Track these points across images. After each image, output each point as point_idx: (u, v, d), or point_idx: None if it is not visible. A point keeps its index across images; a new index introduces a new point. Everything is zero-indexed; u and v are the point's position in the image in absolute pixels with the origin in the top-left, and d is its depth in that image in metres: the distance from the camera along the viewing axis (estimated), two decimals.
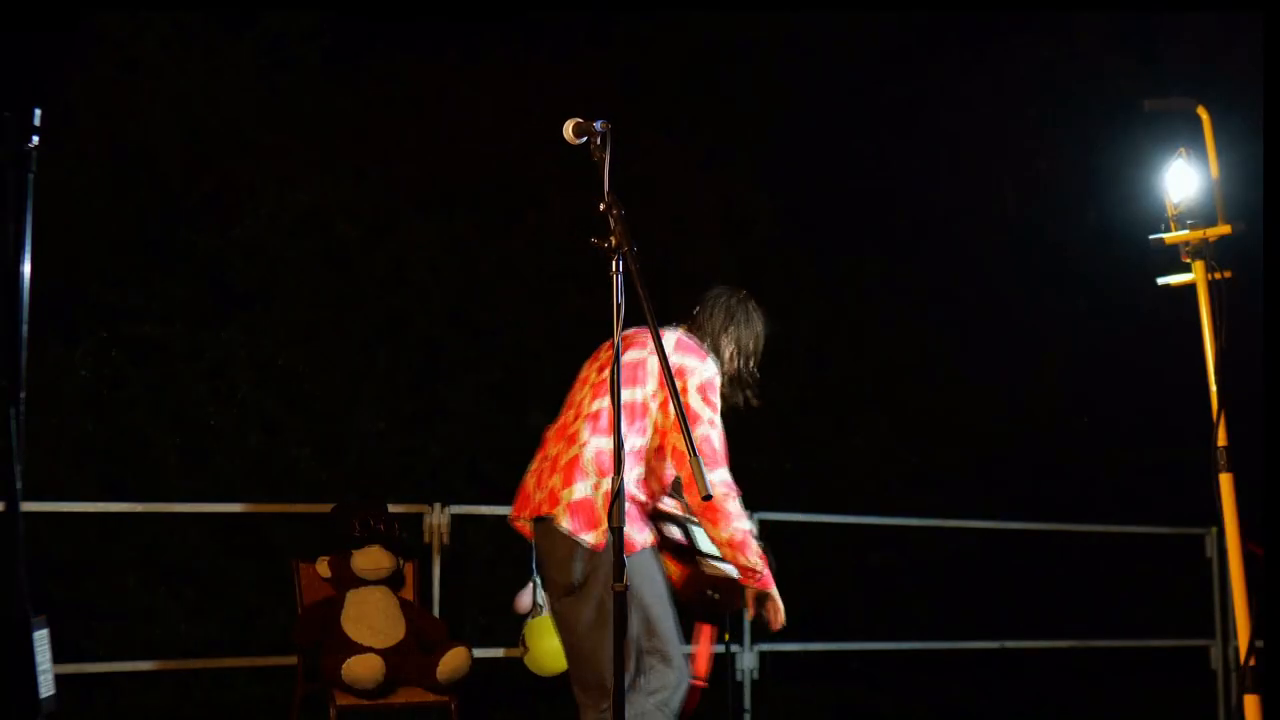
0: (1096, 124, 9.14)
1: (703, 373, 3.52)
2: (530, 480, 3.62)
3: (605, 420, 3.47)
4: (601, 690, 3.47)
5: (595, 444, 3.47)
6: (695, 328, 3.72)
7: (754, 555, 3.46)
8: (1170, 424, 8.31)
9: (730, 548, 3.46)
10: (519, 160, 8.41)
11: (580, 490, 3.45)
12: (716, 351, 3.66)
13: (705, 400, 3.48)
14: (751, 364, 3.78)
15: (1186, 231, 3.67)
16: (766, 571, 3.52)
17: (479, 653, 5.12)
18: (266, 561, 6.63)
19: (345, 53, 8.39)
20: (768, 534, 5.88)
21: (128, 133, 7.78)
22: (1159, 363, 8.55)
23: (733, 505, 3.44)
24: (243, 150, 7.88)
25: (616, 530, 2.90)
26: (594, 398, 3.56)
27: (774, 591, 3.55)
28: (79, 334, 6.96)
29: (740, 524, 3.45)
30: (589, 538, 3.41)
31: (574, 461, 3.48)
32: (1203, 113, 3.73)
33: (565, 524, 3.43)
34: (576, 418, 3.56)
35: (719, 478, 3.43)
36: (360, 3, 8.41)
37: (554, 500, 3.47)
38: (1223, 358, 3.61)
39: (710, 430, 3.46)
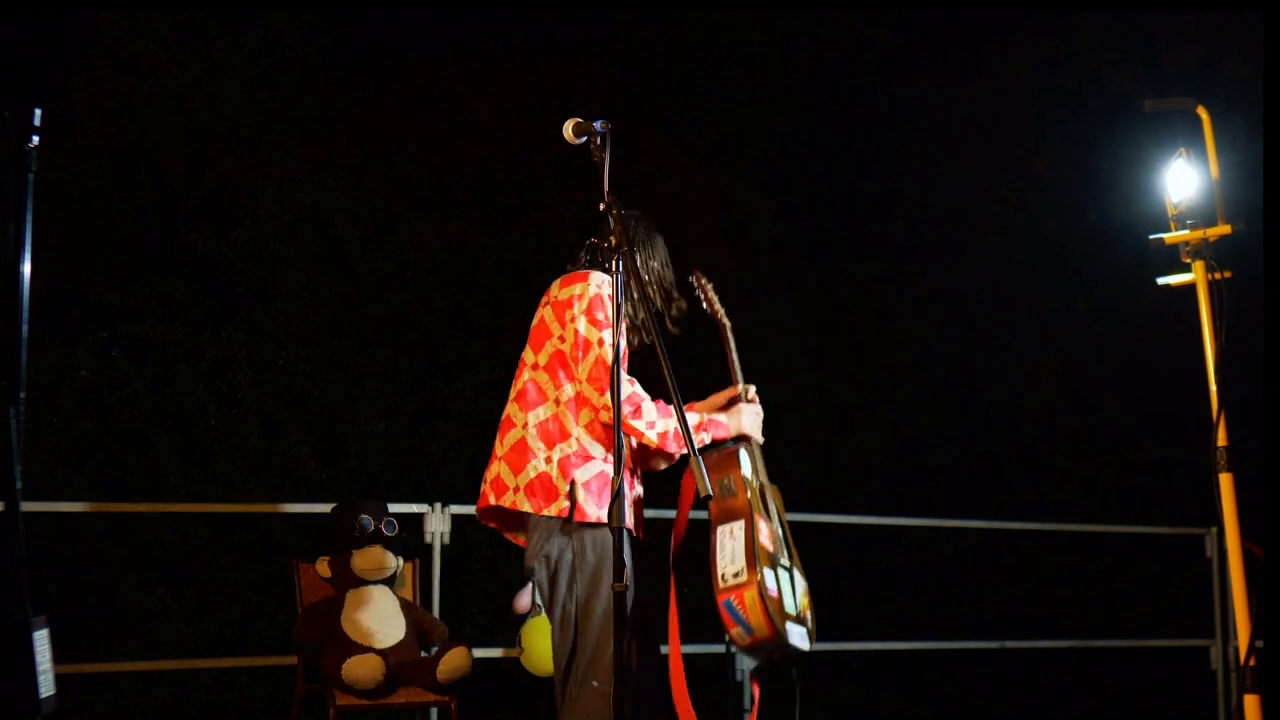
0: (1096, 124, 9.13)
1: (588, 293, 3.42)
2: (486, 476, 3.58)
3: (534, 393, 3.45)
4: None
5: (531, 418, 3.44)
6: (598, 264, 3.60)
7: (693, 433, 3.33)
8: (1170, 424, 8.31)
9: (664, 447, 3.40)
10: (519, 160, 8.40)
11: (533, 468, 3.41)
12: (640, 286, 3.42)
13: (592, 321, 3.37)
14: (668, 283, 3.69)
15: (1186, 231, 3.67)
16: (713, 428, 3.54)
17: (479, 653, 5.12)
18: (266, 561, 6.63)
19: (345, 53, 8.38)
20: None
21: (128, 133, 7.78)
22: (1159, 363, 8.55)
23: (638, 423, 3.35)
24: (243, 150, 7.88)
25: (616, 531, 2.90)
26: (516, 379, 3.56)
27: (735, 429, 3.58)
28: (79, 334, 6.96)
29: (660, 425, 3.37)
30: (550, 510, 3.36)
31: (520, 443, 3.44)
32: (1203, 113, 3.72)
33: (525, 506, 3.40)
34: (509, 404, 3.55)
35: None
36: (360, 2, 8.41)
37: (501, 488, 3.44)
38: (1223, 358, 3.60)
39: (599, 350, 3.35)
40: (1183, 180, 3.69)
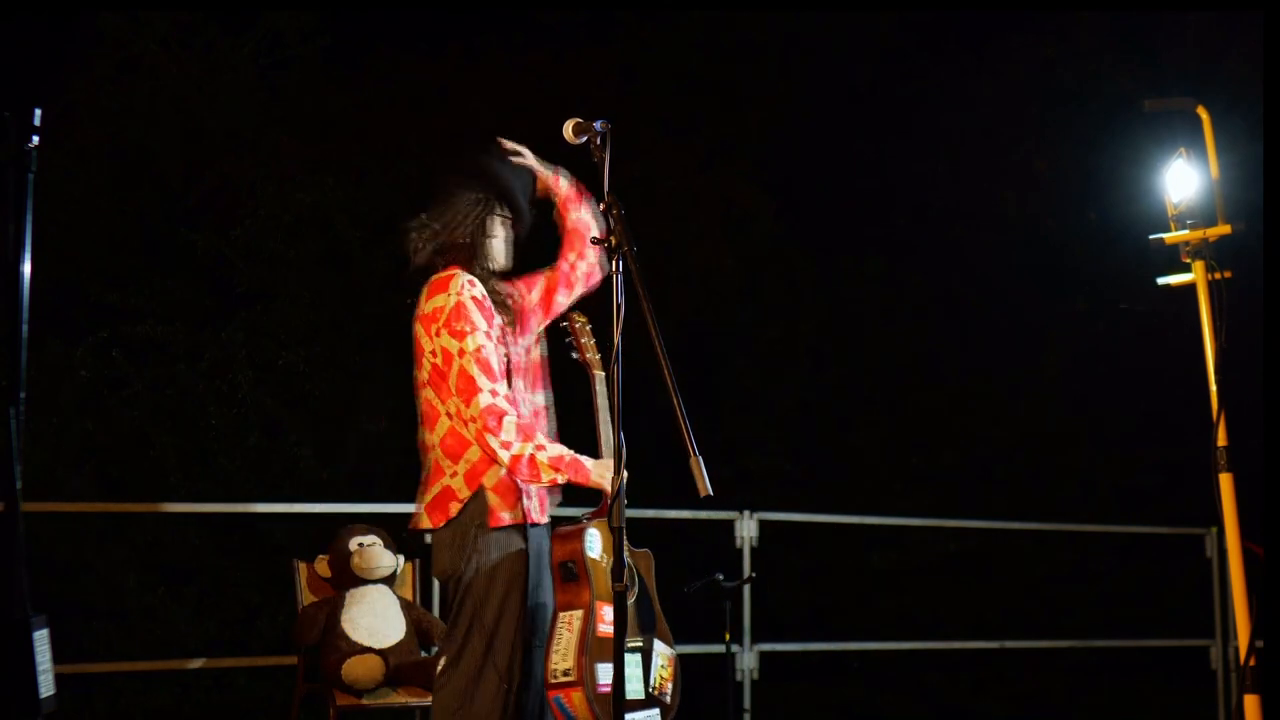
0: (1096, 124, 9.13)
1: (446, 307, 3.32)
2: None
3: (429, 411, 3.44)
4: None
5: (434, 438, 3.43)
6: (451, 246, 3.49)
7: (545, 469, 3.19)
8: (1170, 424, 8.31)
9: (515, 473, 3.24)
10: None
11: (436, 486, 3.41)
12: (485, 232, 3.44)
13: (453, 334, 3.28)
14: (517, 210, 3.59)
15: (1186, 231, 3.67)
16: (571, 471, 3.21)
17: None
18: (266, 561, 6.63)
19: (345, 53, 8.39)
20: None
21: (128, 133, 7.78)
22: (1159, 363, 8.55)
23: (493, 439, 3.22)
24: (243, 150, 7.88)
25: (617, 530, 2.90)
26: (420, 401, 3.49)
27: (594, 480, 3.23)
28: (79, 334, 6.96)
29: (516, 449, 3.20)
30: (445, 521, 3.34)
31: (433, 465, 3.44)
32: (1203, 113, 3.72)
33: (426, 524, 3.40)
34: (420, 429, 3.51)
35: (478, 406, 3.23)
36: (360, 2, 8.41)
37: (418, 513, 3.45)
38: (1223, 358, 3.60)
39: (461, 360, 3.27)
40: (1183, 180, 3.69)
